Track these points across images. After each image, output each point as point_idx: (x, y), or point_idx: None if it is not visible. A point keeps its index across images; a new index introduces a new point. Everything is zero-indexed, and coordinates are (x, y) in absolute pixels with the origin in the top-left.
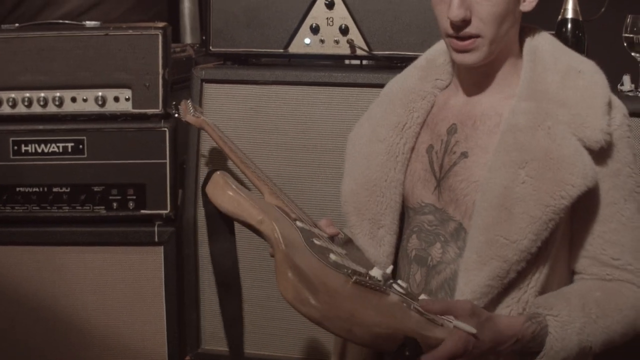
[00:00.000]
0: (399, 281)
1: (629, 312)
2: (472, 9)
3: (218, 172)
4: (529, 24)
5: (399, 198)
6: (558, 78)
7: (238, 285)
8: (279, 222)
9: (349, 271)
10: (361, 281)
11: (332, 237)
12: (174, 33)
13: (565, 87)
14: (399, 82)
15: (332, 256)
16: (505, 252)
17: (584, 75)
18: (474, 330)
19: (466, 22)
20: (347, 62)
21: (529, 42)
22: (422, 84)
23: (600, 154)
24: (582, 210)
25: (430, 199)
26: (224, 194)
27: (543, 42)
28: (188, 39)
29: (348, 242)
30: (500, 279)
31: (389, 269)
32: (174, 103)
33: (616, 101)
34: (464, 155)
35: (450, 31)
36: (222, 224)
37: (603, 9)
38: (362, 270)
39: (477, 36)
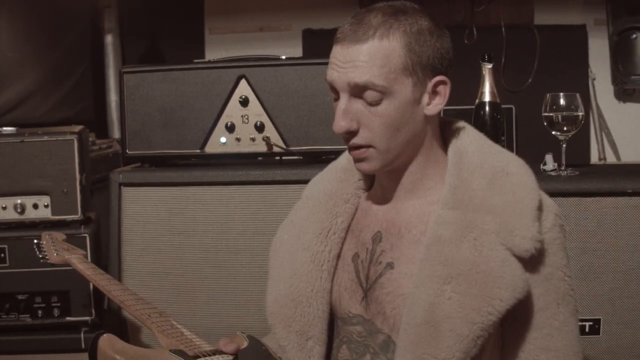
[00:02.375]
0: None
1: None
2: (359, 120)
3: (104, 338)
4: (451, 118)
5: (327, 307)
6: (484, 183)
7: None
8: None
9: None
10: None
11: (236, 354)
12: (102, 127)
13: (492, 193)
14: (320, 184)
15: None
16: None
17: (512, 177)
18: None
19: (352, 133)
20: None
21: (454, 143)
22: (344, 186)
23: (531, 260)
24: (513, 317)
25: (358, 309)
26: None
27: (468, 142)
28: (116, 133)
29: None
30: None
31: None
32: (35, 242)
33: (547, 201)
34: (390, 266)
35: (344, 140)
36: None
37: (530, 79)
38: None
39: (369, 146)
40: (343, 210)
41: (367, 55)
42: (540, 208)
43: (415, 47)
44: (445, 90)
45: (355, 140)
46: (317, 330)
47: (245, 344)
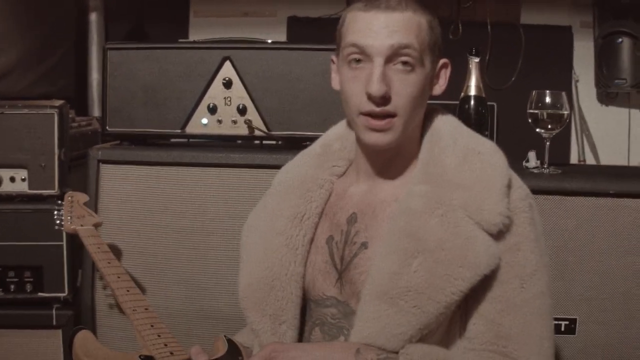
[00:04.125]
0: None
1: None
2: (391, 87)
3: (79, 336)
4: (431, 105)
5: (300, 292)
6: (456, 160)
7: None
8: None
9: None
10: None
11: None
12: (82, 105)
13: (463, 170)
14: (294, 171)
15: None
16: (393, 343)
17: (483, 156)
18: None
19: (386, 100)
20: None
21: (430, 124)
22: (319, 171)
23: (500, 234)
24: (474, 288)
25: (332, 291)
26: None
27: (443, 124)
28: (96, 111)
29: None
30: None
31: None
32: (58, 202)
33: (517, 182)
34: (364, 245)
35: (367, 108)
36: None
37: (513, 78)
38: None
39: (394, 115)
40: (317, 195)
41: (406, 23)
42: (509, 186)
43: (435, 26)
44: (447, 74)
45: (388, 107)
46: (290, 315)
47: (221, 353)
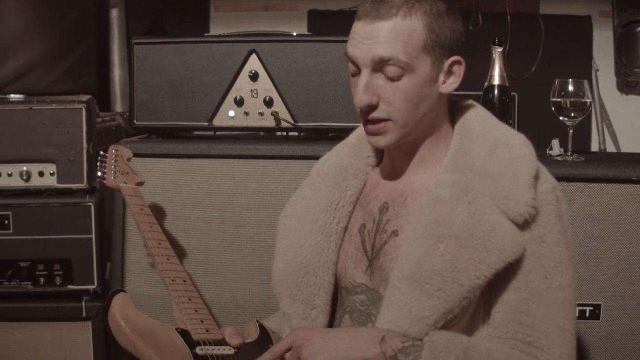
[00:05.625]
0: None
1: None
2: (379, 94)
3: (118, 298)
4: (460, 98)
5: (332, 279)
6: (485, 150)
7: None
8: None
9: None
10: None
11: (238, 347)
12: (104, 101)
13: (491, 160)
14: (330, 160)
15: None
16: (418, 327)
17: (512, 148)
18: None
19: (373, 107)
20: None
21: (460, 117)
22: (354, 161)
23: (526, 224)
24: (498, 277)
25: (363, 278)
26: (125, 337)
27: (474, 116)
28: (119, 107)
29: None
30: None
31: None
32: (100, 154)
33: (545, 175)
34: (395, 233)
35: (361, 114)
36: None
37: (534, 68)
38: None
39: (388, 119)
40: (352, 184)
41: (391, 32)
42: (536, 178)
43: (435, 27)
44: (460, 70)
45: (375, 114)
46: (321, 301)
47: (253, 337)
